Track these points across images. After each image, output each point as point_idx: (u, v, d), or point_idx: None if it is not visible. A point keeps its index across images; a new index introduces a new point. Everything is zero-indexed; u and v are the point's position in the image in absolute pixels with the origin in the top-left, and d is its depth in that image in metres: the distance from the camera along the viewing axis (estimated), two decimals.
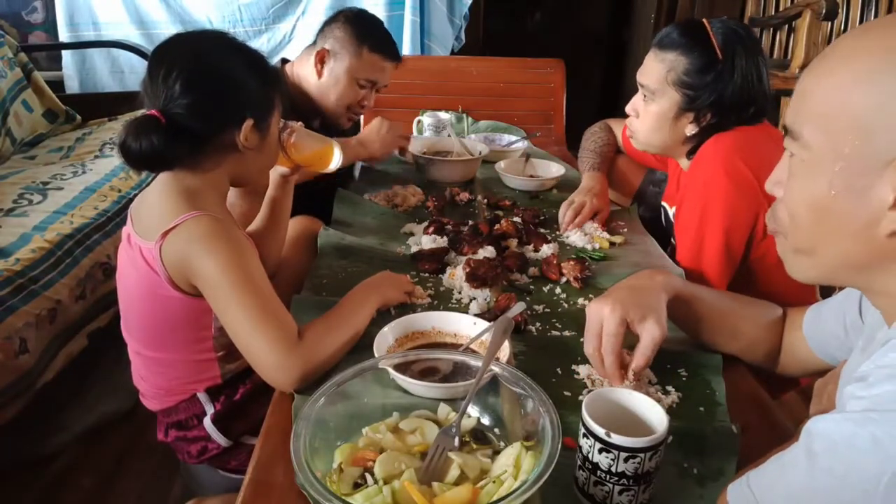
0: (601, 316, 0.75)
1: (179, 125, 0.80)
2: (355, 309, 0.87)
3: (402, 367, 0.75)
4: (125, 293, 0.92)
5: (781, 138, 1.26)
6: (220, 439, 0.95)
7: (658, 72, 1.09)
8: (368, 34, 1.43)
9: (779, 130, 1.14)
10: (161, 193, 0.85)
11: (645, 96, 1.13)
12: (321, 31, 1.48)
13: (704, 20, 1.09)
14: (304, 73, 1.47)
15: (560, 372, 0.83)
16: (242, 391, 0.95)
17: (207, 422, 0.94)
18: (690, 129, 1.11)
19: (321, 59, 1.43)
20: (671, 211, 1.26)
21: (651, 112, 1.13)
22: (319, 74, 1.44)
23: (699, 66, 1.06)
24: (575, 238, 1.24)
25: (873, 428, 0.42)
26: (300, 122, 1.06)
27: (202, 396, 0.94)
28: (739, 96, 1.06)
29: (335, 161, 1.10)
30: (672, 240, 1.23)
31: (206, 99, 0.81)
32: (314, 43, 1.47)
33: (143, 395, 0.99)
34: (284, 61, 1.54)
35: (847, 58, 0.51)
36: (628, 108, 1.18)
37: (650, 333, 0.74)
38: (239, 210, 1.23)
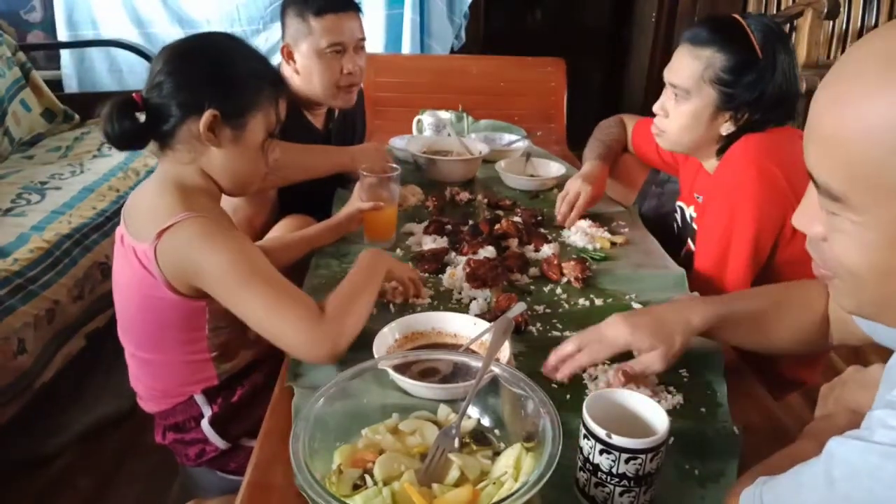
0: (615, 332, 0.77)
1: (150, 105, 0.83)
2: (368, 276, 0.88)
3: (401, 368, 0.75)
4: (119, 294, 0.92)
5: None
6: (217, 442, 0.94)
7: (693, 69, 1.06)
8: (306, 3, 1.36)
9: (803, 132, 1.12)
10: (154, 194, 0.85)
11: (676, 95, 1.10)
12: (281, 28, 1.43)
13: (738, 17, 1.07)
14: (288, 75, 1.43)
15: None
16: (240, 393, 0.95)
17: (205, 424, 0.94)
18: (727, 129, 1.08)
19: (288, 55, 1.40)
20: (688, 211, 1.25)
21: (684, 111, 1.09)
22: (295, 70, 1.40)
23: (738, 63, 1.03)
24: (576, 238, 1.24)
25: None
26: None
27: (199, 398, 0.93)
28: (780, 95, 1.04)
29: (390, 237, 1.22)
30: (689, 241, 1.22)
31: (170, 81, 0.82)
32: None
33: (140, 397, 0.99)
34: None
35: (871, 95, 0.41)
36: (656, 108, 1.15)
37: (648, 363, 0.76)
38: (242, 214, 1.24)
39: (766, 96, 1.04)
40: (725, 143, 1.10)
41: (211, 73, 0.84)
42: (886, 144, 0.41)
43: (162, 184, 0.86)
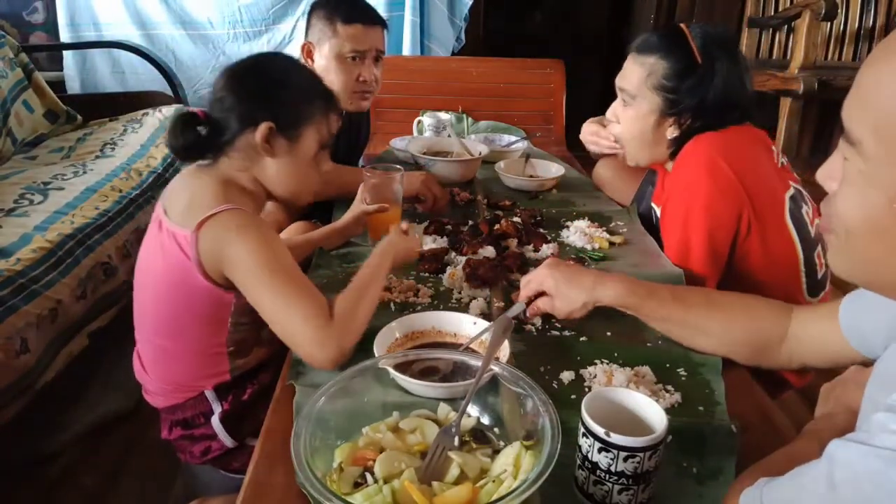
0: (539, 272, 0.91)
1: (212, 119, 0.89)
2: (376, 274, 0.90)
3: (402, 367, 0.75)
4: (147, 277, 0.93)
5: (764, 138, 1.24)
6: (226, 440, 0.95)
7: (638, 76, 1.10)
8: (337, 9, 1.41)
9: (761, 131, 1.15)
10: (200, 184, 0.89)
11: (624, 101, 1.14)
12: (305, 27, 1.49)
13: (683, 25, 1.10)
14: None
15: (560, 371, 0.83)
16: (251, 391, 0.96)
17: (215, 420, 0.94)
18: (671, 133, 1.11)
19: (308, 54, 1.45)
20: (658, 211, 1.26)
21: (630, 116, 1.13)
22: (312, 69, 1.44)
23: (678, 69, 1.07)
24: (574, 238, 1.24)
25: None
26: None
27: (210, 394, 0.94)
28: (722, 100, 1.07)
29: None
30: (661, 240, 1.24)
31: (230, 97, 0.88)
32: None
33: (147, 392, 0.99)
34: None
35: None
36: (609, 115, 1.19)
37: (549, 303, 0.90)
38: (272, 218, 1.28)
39: (706, 101, 1.07)
40: (677, 147, 1.12)
41: (267, 88, 0.90)
42: None
43: (211, 177, 0.90)
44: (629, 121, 1.14)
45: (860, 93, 0.48)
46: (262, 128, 0.87)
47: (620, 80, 1.14)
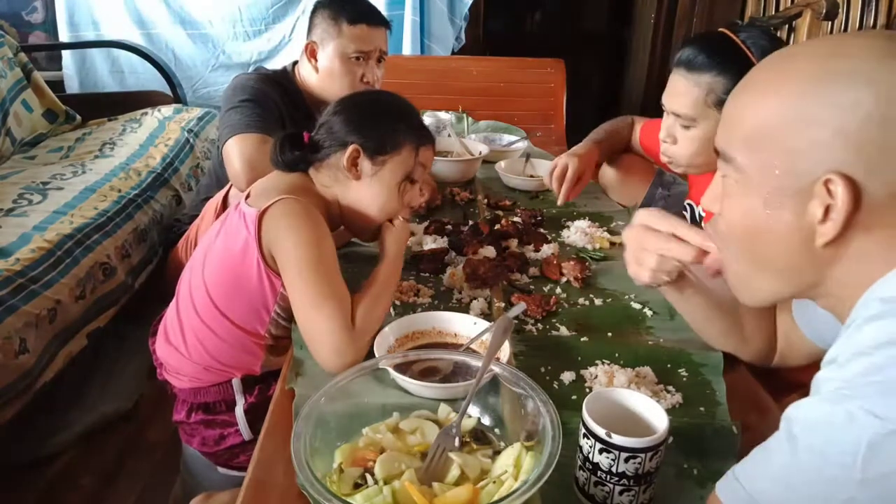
0: (639, 229, 0.75)
1: (313, 140, 0.97)
2: (392, 277, 0.94)
3: (402, 367, 0.75)
4: (211, 251, 0.97)
5: None
6: (244, 432, 0.97)
7: (695, 96, 1.05)
8: (342, 9, 1.42)
9: None
10: (283, 178, 0.96)
11: (684, 126, 1.09)
12: (308, 26, 1.49)
13: (727, 31, 1.05)
14: (306, 72, 1.48)
15: (560, 372, 0.83)
16: (275, 388, 0.96)
17: (239, 411, 0.97)
18: None
19: (312, 53, 1.45)
20: (697, 210, 1.24)
21: (695, 137, 1.08)
22: (315, 68, 1.45)
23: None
24: (575, 238, 1.24)
25: (847, 404, 0.45)
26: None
27: (236, 384, 0.97)
28: None
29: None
30: None
31: (329, 123, 0.97)
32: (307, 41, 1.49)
33: (170, 372, 1.00)
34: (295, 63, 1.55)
35: (772, 84, 0.55)
36: (662, 136, 1.14)
37: (697, 232, 0.72)
38: None
39: None
40: None
41: (361, 115, 0.97)
42: (769, 127, 0.54)
43: (296, 176, 0.96)
44: (694, 142, 1.08)
45: (729, 120, 0.58)
46: (350, 149, 0.93)
47: (673, 104, 1.08)
